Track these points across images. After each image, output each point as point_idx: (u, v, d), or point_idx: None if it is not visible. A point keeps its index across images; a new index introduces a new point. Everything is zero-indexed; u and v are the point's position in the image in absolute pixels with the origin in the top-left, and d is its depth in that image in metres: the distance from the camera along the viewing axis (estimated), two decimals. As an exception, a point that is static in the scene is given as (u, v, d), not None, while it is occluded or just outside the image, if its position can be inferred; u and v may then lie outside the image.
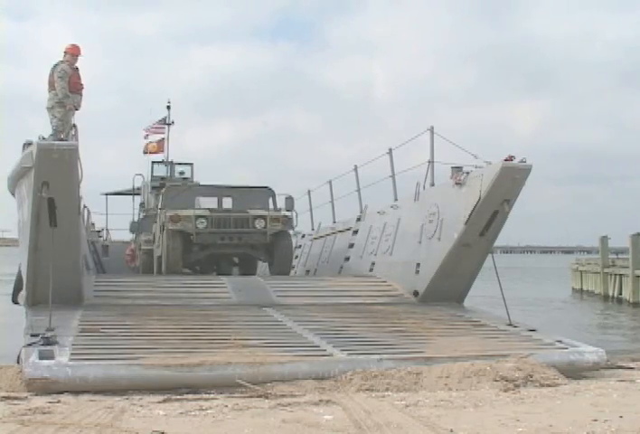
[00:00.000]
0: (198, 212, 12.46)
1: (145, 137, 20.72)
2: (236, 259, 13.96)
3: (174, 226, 12.26)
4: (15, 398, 5.47)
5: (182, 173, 18.97)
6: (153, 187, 18.05)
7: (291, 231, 14.03)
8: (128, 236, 19.78)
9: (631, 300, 23.11)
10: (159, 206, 13.65)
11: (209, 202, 13.84)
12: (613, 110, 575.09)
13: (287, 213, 13.37)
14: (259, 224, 12.48)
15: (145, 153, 20.69)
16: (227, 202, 13.81)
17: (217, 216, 12.45)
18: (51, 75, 9.56)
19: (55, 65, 9.59)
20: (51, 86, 9.53)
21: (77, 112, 9.74)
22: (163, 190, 14.31)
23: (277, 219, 12.75)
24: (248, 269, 13.95)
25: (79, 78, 9.69)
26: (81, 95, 9.72)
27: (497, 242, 10.01)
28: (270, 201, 13.67)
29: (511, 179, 8.67)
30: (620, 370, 7.32)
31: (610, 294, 25.83)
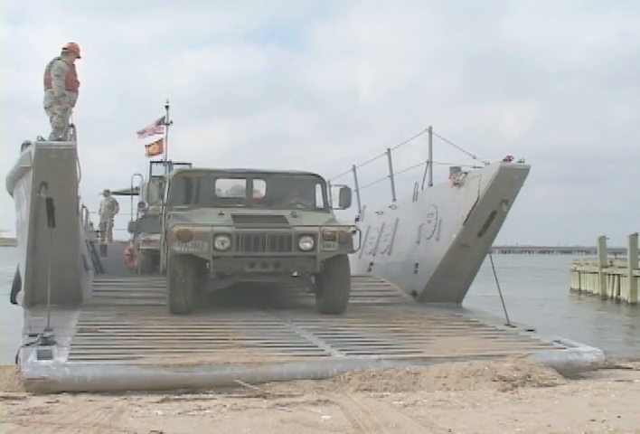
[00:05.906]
0: (218, 229, 8.49)
1: (145, 137, 20.66)
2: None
3: (183, 248, 8.42)
4: (14, 398, 5.46)
5: None
6: (153, 177, 17.88)
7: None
8: (127, 236, 19.83)
9: (629, 300, 23.13)
10: (164, 201, 9.90)
11: (234, 191, 10.30)
12: (595, 113, 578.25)
13: (346, 227, 9.26)
14: (306, 244, 8.68)
15: (147, 155, 20.68)
16: (259, 185, 10.11)
17: (245, 233, 8.49)
18: (47, 73, 9.31)
19: (51, 63, 9.35)
20: (47, 84, 9.31)
21: (75, 115, 9.66)
22: (170, 175, 10.38)
23: (332, 236, 8.76)
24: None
25: (75, 75, 9.54)
26: (77, 92, 9.61)
27: (495, 242, 10.04)
28: (319, 193, 10.01)
29: (509, 179, 8.69)
30: (618, 370, 7.32)
31: (608, 294, 25.84)
